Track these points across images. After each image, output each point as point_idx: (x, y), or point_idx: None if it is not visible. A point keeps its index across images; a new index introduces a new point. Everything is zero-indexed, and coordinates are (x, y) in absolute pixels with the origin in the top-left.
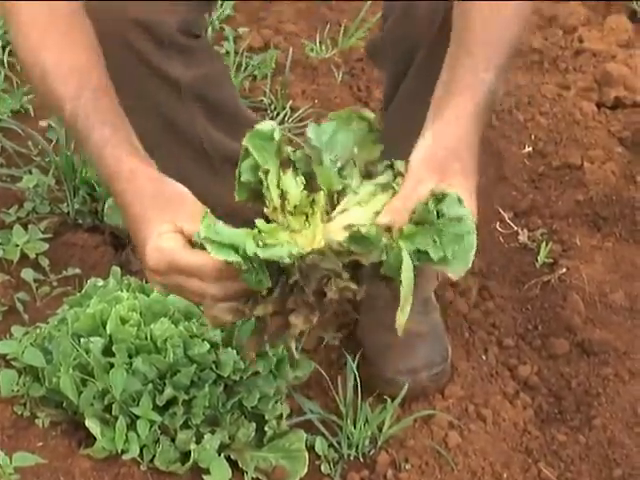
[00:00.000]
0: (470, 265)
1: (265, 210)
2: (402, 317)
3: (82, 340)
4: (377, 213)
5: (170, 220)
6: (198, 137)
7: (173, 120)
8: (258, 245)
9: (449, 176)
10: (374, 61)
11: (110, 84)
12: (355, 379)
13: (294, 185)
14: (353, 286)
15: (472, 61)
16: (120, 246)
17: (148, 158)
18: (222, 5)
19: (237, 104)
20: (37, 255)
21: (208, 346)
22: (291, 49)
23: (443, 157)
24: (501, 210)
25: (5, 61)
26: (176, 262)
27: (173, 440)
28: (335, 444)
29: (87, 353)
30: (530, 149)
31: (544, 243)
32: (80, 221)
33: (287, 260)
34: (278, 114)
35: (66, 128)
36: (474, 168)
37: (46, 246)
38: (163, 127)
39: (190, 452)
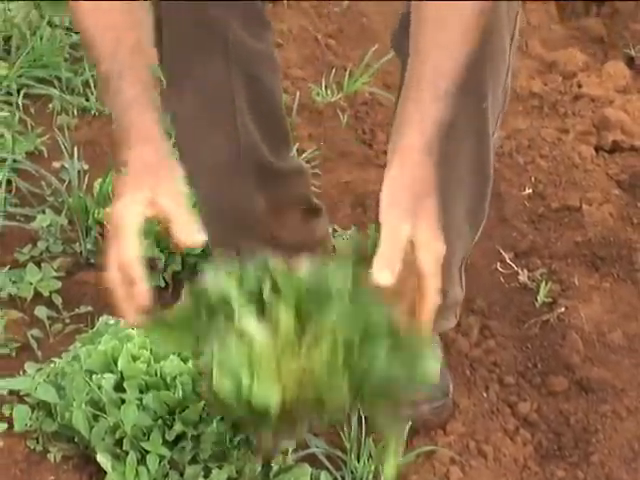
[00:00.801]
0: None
1: None
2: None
3: (94, 376)
4: None
5: (151, 188)
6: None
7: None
8: None
9: (416, 216)
10: (397, 54)
11: (148, 45)
12: (359, 414)
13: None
14: None
15: (420, 94)
16: None
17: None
18: None
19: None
20: (50, 293)
21: None
22: (298, 93)
23: (407, 199)
24: (502, 251)
25: (20, 104)
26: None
27: (182, 474)
28: (339, 478)
29: (99, 389)
30: (530, 191)
31: (543, 283)
32: (92, 260)
33: None
34: None
35: (102, 86)
36: (432, 201)
37: (59, 284)
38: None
39: None
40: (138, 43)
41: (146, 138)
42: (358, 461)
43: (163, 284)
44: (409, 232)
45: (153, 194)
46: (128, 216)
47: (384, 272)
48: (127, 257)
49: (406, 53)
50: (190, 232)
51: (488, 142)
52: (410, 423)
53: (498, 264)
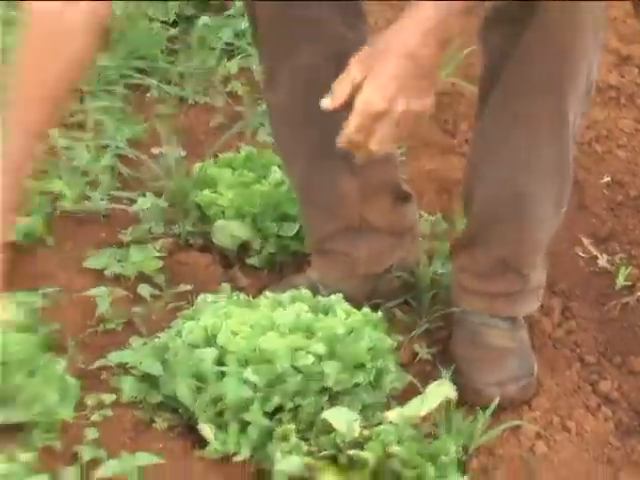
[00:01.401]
0: None
1: None
2: None
3: (196, 351)
4: None
5: None
6: None
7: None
8: None
9: (369, 66)
10: (481, 45)
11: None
12: None
13: None
14: None
15: None
16: (228, 265)
17: None
18: None
19: None
20: (152, 272)
21: (313, 358)
22: None
23: (373, 51)
24: (582, 237)
25: (121, 93)
26: None
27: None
28: None
29: (201, 363)
30: (609, 179)
31: (623, 267)
32: (192, 241)
33: None
34: None
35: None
36: (397, 64)
37: (161, 264)
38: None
39: None
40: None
41: None
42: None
43: (258, 265)
44: (356, 78)
45: None
46: None
47: (325, 100)
48: None
49: (489, 45)
50: None
51: (568, 143)
52: (497, 400)
53: (578, 249)
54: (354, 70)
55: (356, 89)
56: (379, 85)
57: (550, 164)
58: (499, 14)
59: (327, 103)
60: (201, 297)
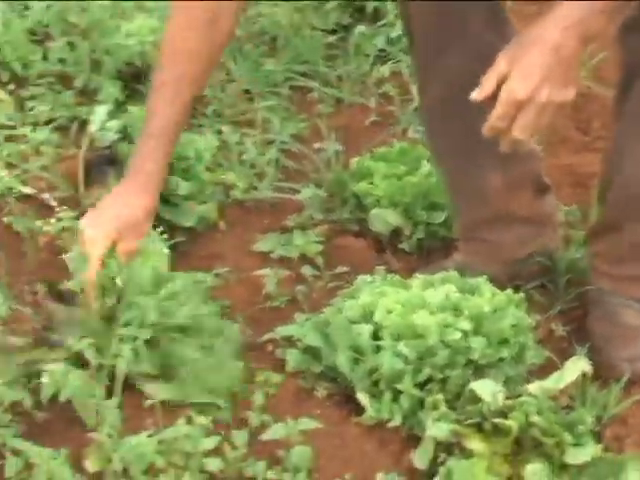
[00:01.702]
0: None
1: None
2: None
3: (354, 326)
4: None
5: (119, 229)
6: None
7: None
8: None
9: (516, 58)
10: (620, 48)
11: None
12: None
13: None
14: None
15: None
16: (381, 249)
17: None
18: None
19: None
20: (313, 255)
21: (460, 334)
22: None
23: (520, 42)
24: None
25: (285, 94)
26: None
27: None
28: None
29: (359, 337)
30: None
31: None
32: (348, 228)
33: None
34: None
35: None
36: (543, 56)
37: (320, 248)
38: None
39: None
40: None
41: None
42: (583, 406)
43: (409, 250)
44: (503, 69)
45: (118, 235)
46: (95, 246)
47: (475, 92)
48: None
49: (629, 46)
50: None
51: None
52: (629, 375)
53: None
54: (501, 63)
55: (502, 80)
56: (523, 75)
57: None
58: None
59: (475, 95)
60: (360, 278)
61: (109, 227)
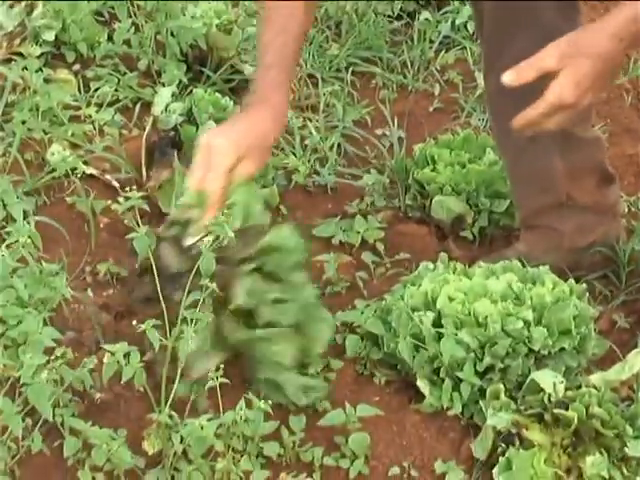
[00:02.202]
0: None
1: None
2: None
3: (416, 313)
4: None
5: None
6: None
7: None
8: None
9: (567, 60)
10: None
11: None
12: None
13: None
14: None
15: None
16: (443, 236)
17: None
18: None
19: None
20: (375, 241)
21: (522, 323)
22: None
23: (571, 46)
24: None
25: (348, 79)
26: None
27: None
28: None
29: (420, 324)
30: None
31: None
32: (410, 214)
33: None
34: None
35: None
36: (594, 66)
37: (382, 234)
38: None
39: None
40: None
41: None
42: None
43: (471, 237)
44: (551, 66)
45: (245, 151)
46: (224, 156)
47: (508, 74)
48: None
49: None
50: None
51: None
52: None
53: None
54: (549, 58)
55: (547, 76)
56: (575, 82)
57: None
58: None
59: (510, 78)
60: (422, 265)
61: (241, 140)
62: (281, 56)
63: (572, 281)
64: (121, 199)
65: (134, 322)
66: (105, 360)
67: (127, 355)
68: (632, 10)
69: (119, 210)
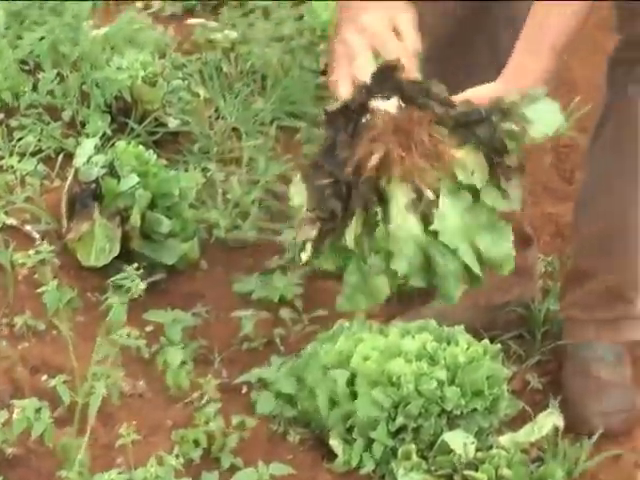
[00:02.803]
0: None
1: None
2: None
3: (330, 371)
4: None
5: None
6: None
7: None
8: None
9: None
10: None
11: None
12: None
13: None
14: None
15: (542, 39)
16: None
17: None
18: None
19: None
20: (293, 297)
21: (435, 383)
22: None
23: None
24: None
25: (272, 133)
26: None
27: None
28: None
29: (334, 382)
30: None
31: None
32: (330, 271)
33: None
34: None
35: None
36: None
37: (301, 290)
38: None
39: None
40: None
41: None
42: (553, 460)
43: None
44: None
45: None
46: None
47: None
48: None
49: (611, 82)
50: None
51: None
52: (601, 430)
53: None
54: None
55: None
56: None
57: None
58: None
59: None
60: (338, 322)
61: None
62: None
63: (486, 341)
64: (32, 252)
65: (44, 377)
66: (15, 415)
67: (38, 410)
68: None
69: (28, 263)
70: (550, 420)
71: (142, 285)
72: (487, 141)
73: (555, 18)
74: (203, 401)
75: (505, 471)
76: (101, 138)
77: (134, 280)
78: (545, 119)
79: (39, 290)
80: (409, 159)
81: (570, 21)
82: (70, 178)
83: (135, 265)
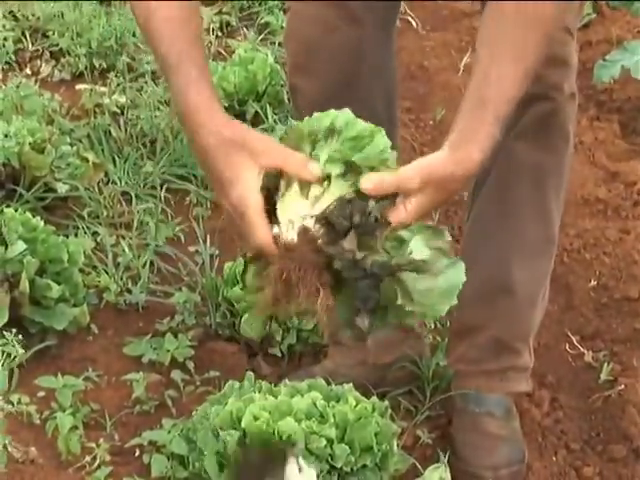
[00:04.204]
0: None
1: None
2: None
3: (221, 432)
4: None
5: (251, 156)
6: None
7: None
8: None
9: (430, 191)
10: None
11: (201, 38)
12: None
13: None
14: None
15: (484, 114)
16: (252, 354)
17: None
18: None
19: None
20: (184, 359)
21: (325, 441)
22: None
23: (438, 179)
24: (570, 334)
25: (162, 197)
26: (248, 218)
27: None
28: None
29: (225, 443)
30: (595, 283)
31: (606, 363)
32: (220, 332)
33: None
34: None
35: (160, 68)
36: (445, 199)
37: (192, 352)
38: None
39: None
40: (195, 34)
41: (210, 113)
42: None
43: (280, 354)
44: (413, 189)
45: (254, 161)
46: (250, 202)
47: (368, 181)
48: (262, 241)
49: None
50: (303, 166)
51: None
52: None
53: (567, 345)
54: (412, 182)
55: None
56: (421, 210)
57: (537, 247)
58: None
59: (369, 186)
60: (229, 384)
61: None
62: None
63: (375, 398)
64: None
65: None
66: None
67: None
68: (491, 127)
69: None
70: (437, 474)
71: (21, 351)
72: (362, 297)
73: (495, 89)
74: (95, 465)
75: None
76: None
77: (14, 346)
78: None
79: None
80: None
81: (511, 90)
82: None
83: (14, 332)
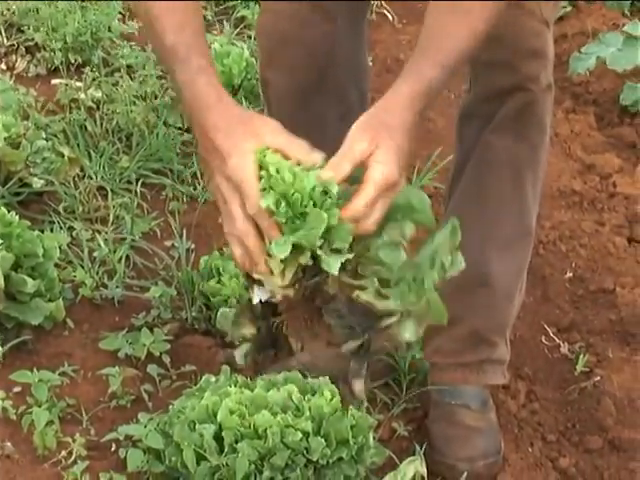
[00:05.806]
0: None
1: None
2: None
3: (197, 426)
4: None
5: (255, 134)
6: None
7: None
8: None
9: (378, 139)
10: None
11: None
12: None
13: None
14: None
15: (424, 61)
16: (229, 348)
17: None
18: None
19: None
20: (161, 354)
21: (301, 435)
22: None
23: (375, 125)
24: (546, 326)
25: (138, 191)
26: (243, 184)
27: None
28: None
29: (201, 437)
30: (571, 275)
31: (582, 355)
32: (196, 326)
33: None
34: None
35: (164, 57)
36: (403, 139)
37: (168, 346)
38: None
39: None
40: (200, 26)
41: (220, 98)
42: None
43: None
44: (365, 150)
45: (257, 139)
46: (245, 169)
47: (325, 173)
48: (255, 209)
49: (462, 138)
50: (306, 152)
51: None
52: (465, 475)
53: (543, 337)
54: (360, 144)
55: (362, 160)
56: (395, 159)
57: (514, 239)
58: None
59: (329, 177)
60: (205, 377)
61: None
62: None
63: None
64: None
65: None
66: None
67: None
68: (423, 85)
69: None
70: (412, 467)
71: None
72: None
73: (437, 39)
74: (71, 460)
75: None
76: None
77: None
78: None
79: None
80: None
81: (453, 41)
82: None
83: None
